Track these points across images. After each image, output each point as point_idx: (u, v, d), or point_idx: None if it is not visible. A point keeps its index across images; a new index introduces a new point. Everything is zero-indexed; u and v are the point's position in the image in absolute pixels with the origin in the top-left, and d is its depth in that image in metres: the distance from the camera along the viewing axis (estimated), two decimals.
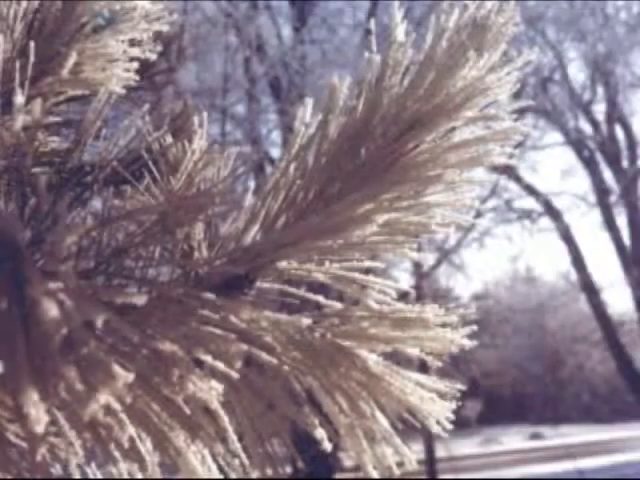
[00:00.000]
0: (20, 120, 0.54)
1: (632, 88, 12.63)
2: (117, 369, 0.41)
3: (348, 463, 9.66)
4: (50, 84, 0.71)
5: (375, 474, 0.54)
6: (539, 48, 11.88)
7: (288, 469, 0.57)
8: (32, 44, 0.64)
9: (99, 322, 0.40)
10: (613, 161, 13.21)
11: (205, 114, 0.76)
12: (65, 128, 0.77)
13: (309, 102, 0.63)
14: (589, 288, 13.05)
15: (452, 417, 0.58)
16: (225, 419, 0.52)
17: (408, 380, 0.56)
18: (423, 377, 0.58)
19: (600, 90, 13.13)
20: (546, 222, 13.33)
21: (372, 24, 0.69)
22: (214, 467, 0.53)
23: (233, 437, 0.53)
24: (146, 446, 0.52)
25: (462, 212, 0.61)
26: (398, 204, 0.58)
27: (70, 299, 0.40)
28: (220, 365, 0.48)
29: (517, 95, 0.62)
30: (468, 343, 0.59)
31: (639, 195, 13.22)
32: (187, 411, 0.51)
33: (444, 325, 0.59)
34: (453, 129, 0.59)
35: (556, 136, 13.40)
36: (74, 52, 0.68)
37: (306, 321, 0.54)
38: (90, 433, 0.49)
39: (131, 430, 0.49)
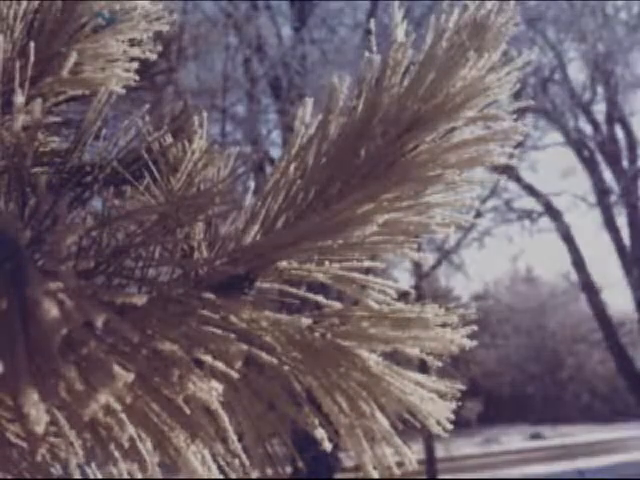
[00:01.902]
0: (20, 120, 0.54)
1: (632, 88, 12.62)
2: (117, 369, 0.41)
3: (348, 463, 9.66)
4: (50, 84, 0.71)
5: (375, 474, 0.54)
6: (539, 48, 11.88)
7: (288, 469, 0.57)
8: (32, 44, 0.64)
9: (99, 322, 0.40)
10: (613, 161, 13.20)
11: (205, 114, 0.76)
12: (65, 128, 0.77)
13: (309, 102, 0.63)
14: (589, 288, 13.05)
15: (452, 417, 0.58)
16: (225, 419, 0.52)
17: (408, 380, 0.56)
18: (423, 377, 0.58)
19: (600, 90, 13.13)
20: (546, 222, 13.34)
21: (372, 24, 0.69)
22: (214, 467, 0.53)
23: (233, 437, 0.53)
24: (146, 446, 0.52)
25: (462, 212, 0.61)
26: (398, 204, 0.58)
27: (70, 299, 0.40)
28: (220, 365, 0.48)
29: (517, 95, 0.62)
30: (468, 343, 0.59)
31: (639, 195, 13.22)
32: (187, 411, 0.51)
33: (444, 325, 0.59)
34: (453, 129, 0.59)
35: (556, 136, 13.40)
36: (74, 52, 0.68)
37: (306, 321, 0.54)
38: (90, 433, 0.49)
39: (131, 430, 0.49)
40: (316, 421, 0.53)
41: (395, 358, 0.57)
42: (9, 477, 0.53)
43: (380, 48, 0.61)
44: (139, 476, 0.53)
